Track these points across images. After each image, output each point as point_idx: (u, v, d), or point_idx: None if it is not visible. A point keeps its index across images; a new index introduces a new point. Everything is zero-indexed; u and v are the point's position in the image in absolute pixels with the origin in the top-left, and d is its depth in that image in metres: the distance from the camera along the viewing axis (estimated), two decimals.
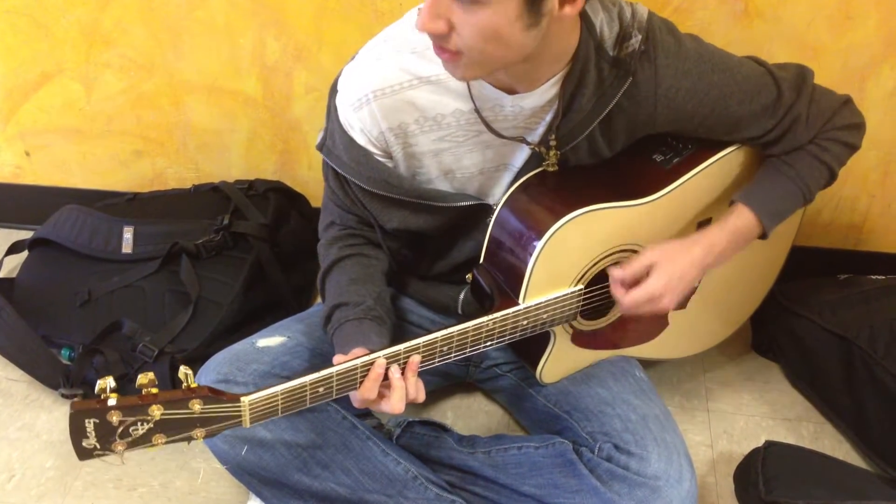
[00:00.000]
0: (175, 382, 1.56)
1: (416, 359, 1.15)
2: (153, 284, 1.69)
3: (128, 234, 1.73)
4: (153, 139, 1.95)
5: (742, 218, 1.27)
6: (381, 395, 1.14)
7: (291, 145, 1.92)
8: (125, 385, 1.56)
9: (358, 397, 1.15)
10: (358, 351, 1.16)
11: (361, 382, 1.13)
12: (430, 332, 1.17)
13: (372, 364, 1.12)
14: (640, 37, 1.15)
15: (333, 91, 1.23)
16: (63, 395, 1.61)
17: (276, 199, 1.86)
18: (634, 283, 1.23)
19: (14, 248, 1.89)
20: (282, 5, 1.70)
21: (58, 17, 1.78)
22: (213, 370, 1.29)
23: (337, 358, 1.14)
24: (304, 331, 1.41)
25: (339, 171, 1.25)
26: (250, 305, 1.71)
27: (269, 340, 1.37)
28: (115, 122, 1.93)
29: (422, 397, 1.17)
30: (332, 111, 1.23)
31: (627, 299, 1.22)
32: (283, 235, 1.83)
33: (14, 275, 1.84)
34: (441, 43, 1.04)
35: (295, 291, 1.83)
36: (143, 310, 1.67)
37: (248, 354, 1.33)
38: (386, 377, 1.13)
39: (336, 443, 1.33)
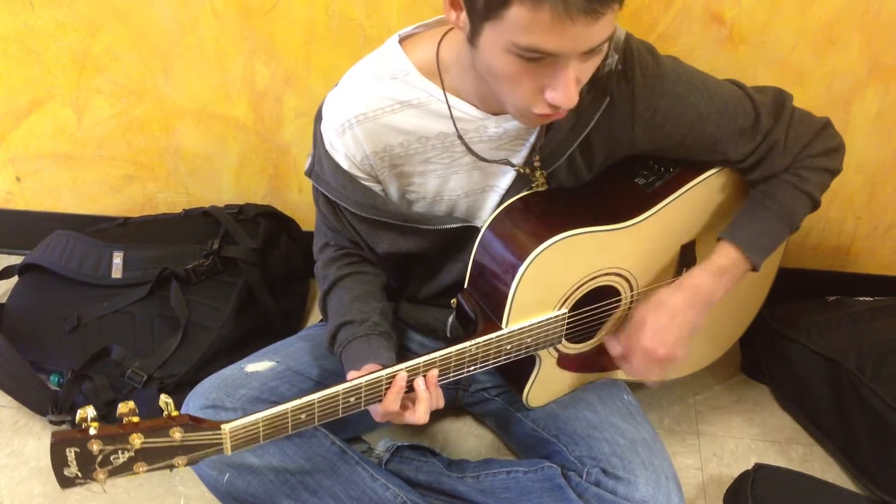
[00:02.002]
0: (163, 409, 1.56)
1: (434, 373, 1.18)
2: (143, 309, 1.70)
3: (117, 259, 1.74)
4: (144, 164, 1.96)
5: (727, 257, 1.27)
6: (404, 407, 1.17)
7: (281, 170, 1.93)
8: (114, 411, 1.56)
9: (380, 410, 1.17)
10: (370, 367, 1.18)
11: (344, 408, 1.14)
12: (416, 356, 1.17)
13: (358, 387, 1.14)
14: (616, 57, 1.16)
15: (318, 117, 1.24)
16: (51, 422, 1.61)
17: (265, 223, 1.87)
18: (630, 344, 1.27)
19: (4, 274, 1.89)
20: (271, 31, 1.71)
21: (49, 44, 1.79)
22: (202, 396, 1.29)
23: (351, 374, 1.16)
24: (292, 355, 1.41)
25: (329, 195, 1.26)
26: (240, 330, 1.71)
27: (258, 365, 1.37)
28: (105, 148, 1.94)
29: (441, 403, 1.21)
30: (317, 137, 1.25)
31: (634, 364, 1.28)
32: (272, 259, 1.83)
33: (4, 300, 1.84)
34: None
35: (285, 315, 1.83)
36: (133, 335, 1.67)
37: (237, 380, 1.33)
38: (409, 389, 1.17)
39: (324, 468, 1.33)
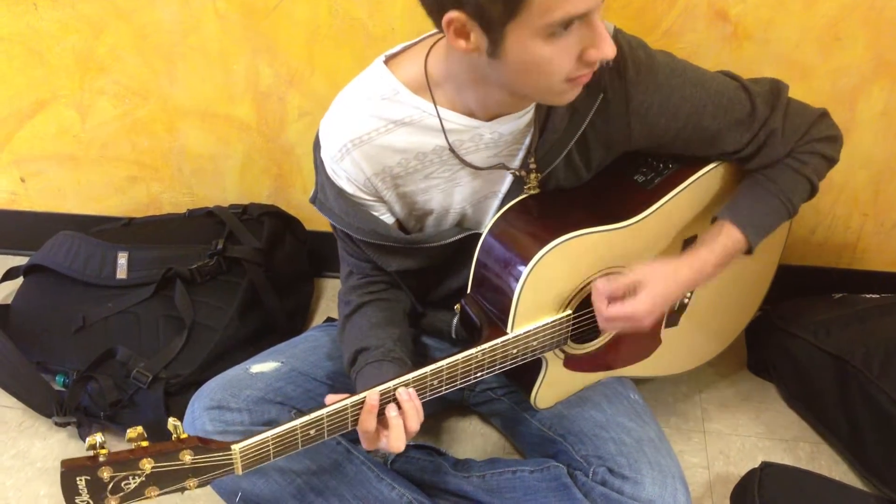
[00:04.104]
0: (169, 409, 1.56)
1: (405, 389, 1.15)
2: (147, 310, 1.70)
3: (122, 259, 1.74)
4: (148, 164, 1.96)
5: (730, 237, 1.26)
6: (380, 434, 1.14)
7: (285, 169, 1.93)
8: (119, 412, 1.56)
9: (359, 431, 1.15)
10: None
11: (353, 422, 1.13)
12: (421, 365, 1.16)
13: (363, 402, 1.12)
14: None
15: (317, 145, 1.24)
16: (56, 423, 1.61)
17: (270, 223, 1.87)
18: (618, 298, 1.22)
19: (9, 275, 1.89)
20: (274, 31, 1.71)
21: (52, 45, 1.79)
22: (207, 397, 1.29)
23: (329, 398, 1.13)
24: (297, 356, 1.41)
25: (332, 222, 1.27)
26: (245, 330, 1.71)
27: (263, 366, 1.37)
28: (109, 148, 1.94)
29: (419, 422, 1.15)
30: (319, 165, 1.25)
31: (607, 313, 1.20)
32: (277, 259, 1.83)
33: (9, 301, 1.84)
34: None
35: (289, 315, 1.83)
36: (138, 335, 1.67)
37: (242, 380, 1.33)
38: (383, 413, 1.13)
39: (330, 468, 1.33)
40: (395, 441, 1.12)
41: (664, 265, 1.25)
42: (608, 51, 1.02)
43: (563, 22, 0.97)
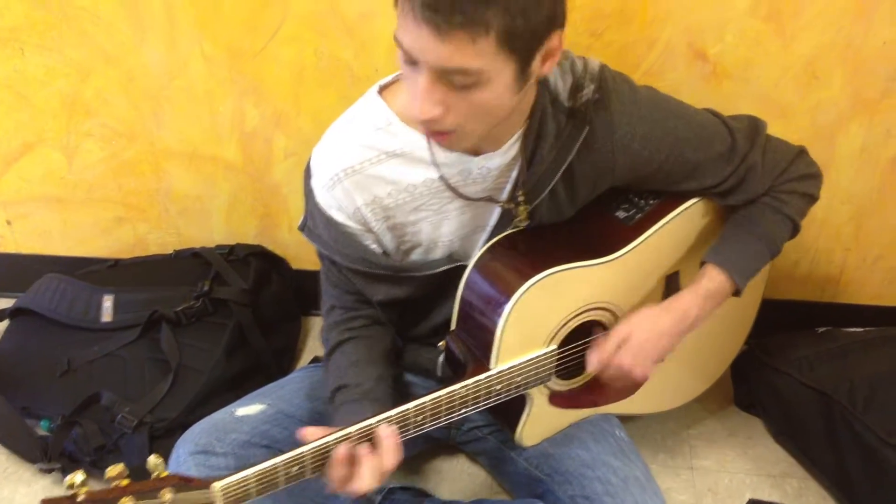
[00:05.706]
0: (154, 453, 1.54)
1: (384, 429, 1.13)
2: (133, 353, 1.69)
3: (107, 302, 1.73)
4: (134, 206, 1.96)
5: (714, 280, 1.28)
6: (354, 473, 1.11)
7: (272, 209, 1.93)
8: (104, 457, 1.55)
9: (329, 479, 1.12)
10: None
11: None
12: (404, 401, 1.16)
13: (349, 436, 1.11)
14: (592, 86, 1.17)
15: (308, 174, 1.25)
16: (41, 470, 1.59)
17: (256, 263, 1.87)
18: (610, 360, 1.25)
19: None
20: (260, 73, 1.72)
21: (38, 89, 1.80)
22: (191, 441, 1.28)
23: (308, 431, 1.12)
24: (283, 397, 1.40)
25: (321, 249, 1.27)
26: (231, 371, 1.70)
27: (249, 409, 1.36)
28: (96, 190, 1.95)
29: (395, 462, 1.14)
30: (308, 193, 1.25)
31: (605, 377, 1.27)
32: (263, 299, 1.83)
33: None
34: (435, 127, 1.05)
35: (276, 355, 1.83)
36: (123, 379, 1.65)
37: (227, 424, 1.32)
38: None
39: None
40: (368, 481, 1.09)
41: (644, 313, 1.27)
42: (415, 107, 1.02)
43: (396, 39, 0.98)
